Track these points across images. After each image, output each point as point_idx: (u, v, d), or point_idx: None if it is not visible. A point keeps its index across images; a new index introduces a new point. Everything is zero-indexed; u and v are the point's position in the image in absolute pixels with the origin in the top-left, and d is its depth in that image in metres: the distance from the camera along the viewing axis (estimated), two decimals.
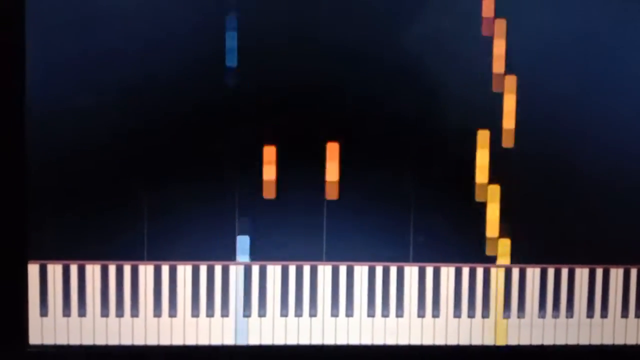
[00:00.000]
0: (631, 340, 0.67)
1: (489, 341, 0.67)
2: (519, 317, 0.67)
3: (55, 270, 0.66)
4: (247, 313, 0.67)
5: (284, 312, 0.67)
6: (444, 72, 0.64)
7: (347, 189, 0.65)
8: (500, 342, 0.67)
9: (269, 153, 0.65)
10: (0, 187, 0.64)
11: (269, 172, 0.65)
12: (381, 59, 0.64)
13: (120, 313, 0.66)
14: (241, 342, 0.67)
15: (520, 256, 0.66)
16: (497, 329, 0.67)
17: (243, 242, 0.66)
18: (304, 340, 0.67)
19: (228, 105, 0.64)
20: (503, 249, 0.66)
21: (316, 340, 0.67)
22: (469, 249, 0.66)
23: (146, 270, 0.66)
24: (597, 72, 0.65)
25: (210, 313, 0.67)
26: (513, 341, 0.67)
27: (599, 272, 0.67)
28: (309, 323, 0.67)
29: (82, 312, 0.66)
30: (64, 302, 0.66)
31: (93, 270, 0.66)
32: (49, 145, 0.64)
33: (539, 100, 0.65)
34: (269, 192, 0.65)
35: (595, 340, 0.67)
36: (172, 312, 0.66)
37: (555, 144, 0.65)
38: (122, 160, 0.65)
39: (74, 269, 0.66)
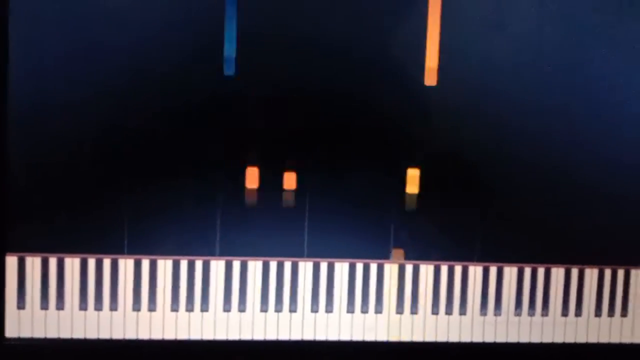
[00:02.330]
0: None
1: (465, 338, 0.68)
2: (495, 314, 0.68)
3: (33, 263, 0.65)
4: (227, 308, 0.67)
5: (264, 308, 0.67)
6: None
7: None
8: (477, 339, 0.68)
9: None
10: None
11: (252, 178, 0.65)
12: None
13: (99, 307, 0.66)
14: (220, 336, 0.67)
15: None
16: (473, 326, 0.68)
17: (224, 237, 0.66)
18: (284, 336, 0.67)
19: (216, 104, 0.64)
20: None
21: (296, 336, 0.67)
22: (450, 246, 0.67)
23: (126, 264, 0.66)
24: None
25: (190, 307, 0.67)
26: (489, 338, 0.68)
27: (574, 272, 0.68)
28: (288, 318, 0.67)
29: (60, 305, 0.66)
30: (42, 295, 0.65)
31: (72, 264, 0.65)
32: (28, 137, 0.63)
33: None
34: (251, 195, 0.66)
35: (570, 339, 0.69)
36: (152, 307, 0.66)
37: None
38: (103, 153, 0.64)
39: (52, 262, 0.65)
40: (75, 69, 0.63)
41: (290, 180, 0.66)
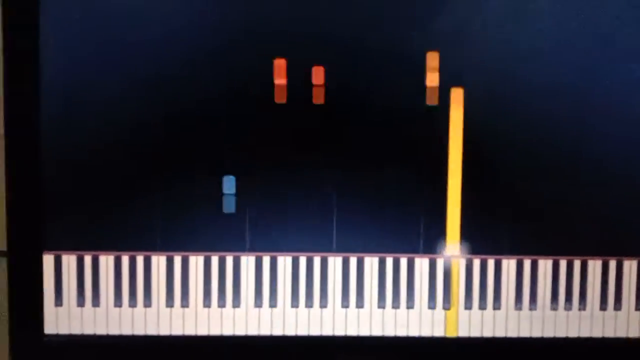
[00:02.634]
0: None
1: (499, 333, 0.67)
2: (529, 309, 0.66)
3: (69, 261, 0.67)
4: (258, 303, 0.67)
5: (294, 303, 0.67)
6: None
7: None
8: (512, 334, 0.67)
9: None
10: (16, 180, 0.65)
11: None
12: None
13: (133, 303, 0.67)
14: (252, 332, 0.67)
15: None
16: (508, 321, 0.67)
17: (253, 233, 0.66)
18: (315, 331, 0.67)
19: (243, 100, 0.65)
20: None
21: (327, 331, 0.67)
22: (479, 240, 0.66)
23: (159, 261, 0.67)
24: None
25: (221, 303, 0.67)
26: (525, 333, 0.67)
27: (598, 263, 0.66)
28: (319, 314, 0.67)
29: (95, 302, 0.67)
30: (78, 293, 0.67)
31: (107, 261, 0.67)
32: (63, 137, 0.65)
33: None
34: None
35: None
36: (185, 303, 0.67)
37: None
38: (136, 152, 0.65)
39: (87, 259, 0.67)
40: (107, 67, 0.64)
41: None
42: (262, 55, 0.64)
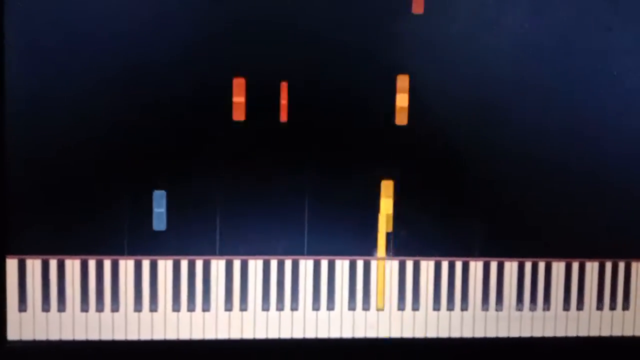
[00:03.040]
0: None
1: (467, 333, 0.68)
2: (495, 310, 0.68)
3: (34, 265, 0.65)
4: (228, 307, 0.67)
5: (265, 307, 0.67)
6: None
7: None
8: (479, 334, 0.68)
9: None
10: None
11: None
12: None
13: (100, 308, 0.66)
14: (222, 336, 0.67)
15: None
16: (475, 322, 0.68)
17: (223, 238, 0.66)
18: (285, 334, 0.67)
19: (218, 103, 0.64)
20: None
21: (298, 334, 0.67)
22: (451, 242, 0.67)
23: (127, 266, 0.66)
24: None
25: (191, 307, 0.66)
26: (491, 333, 0.68)
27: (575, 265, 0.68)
28: (290, 317, 0.67)
29: (61, 307, 0.66)
30: (43, 298, 0.65)
31: (73, 266, 0.65)
32: (28, 141, 0.63)
33: None
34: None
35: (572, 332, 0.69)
36: (153, 307, 0.66)
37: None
38: (103, 156, 0.64)
39: (53, 264, 0.65)
40: (71, 69, 0.63)
41: None
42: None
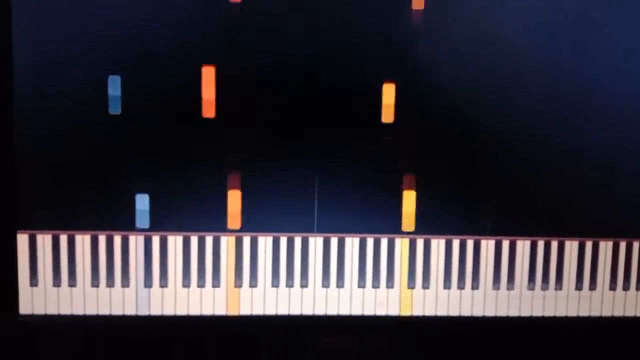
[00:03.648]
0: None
1: (477, 312, 0.68)
2: (506, 289, 0.67)
3: (44, 240, 0.65)
4: (238, 283, 0.67)
5: (275, 283, 0.67)
6: None
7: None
8: (489, 312, 0.68)
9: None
10: None
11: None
12: None
13: (110, 283, 0.66)
14: (232, 312, 0.67)
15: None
16: (486, 301, 0.68)
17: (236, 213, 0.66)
18: (295, 310, 0.67)
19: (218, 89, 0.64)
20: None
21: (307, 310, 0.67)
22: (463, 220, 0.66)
23: (137, 241, 0.66)
24: None
25: (201, 283, 0.67)
26: (502, 312, 0.68)
27: (589, 244, 0.67)
28: (299, 293, 0.67)
29: (72, 282, 0.66)
30: (54, 272, 0.66)
31: (83, 241, 0.66)
32: (37, 116, 0.63)
33: None
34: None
35: (584, 312, 0.68)
36: (163, 283, 0.66)
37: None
38: (111, 132, 0.64)
39: (63, 239, 0.65)
40: (78, 47, 0.62)
41: None
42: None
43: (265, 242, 0.66)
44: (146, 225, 0.65)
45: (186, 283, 0.66)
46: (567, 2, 0.63)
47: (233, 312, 0.67)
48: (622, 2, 0.64)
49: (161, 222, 0.65)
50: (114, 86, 0.63)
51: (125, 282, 0.66)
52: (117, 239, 0.66)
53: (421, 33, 0.63)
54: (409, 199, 0.66)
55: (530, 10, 0.63)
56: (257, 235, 0.66)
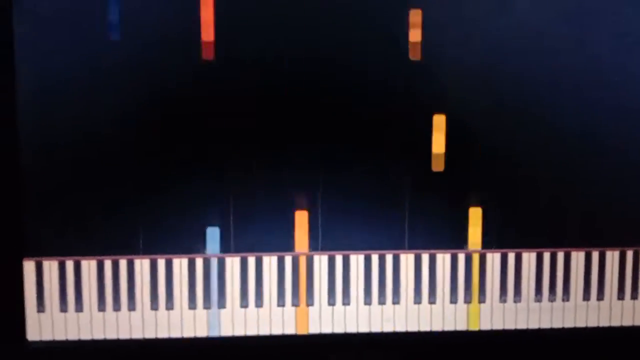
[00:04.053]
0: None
1: (485, 326, 0.67)
2: (509, 302, 0.67)
3: (51, 267, 0.66)
4: (244, 304, 0.67)
5: (280, 303, 0.67)
6: None
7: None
8: (497, 326, 0.67)
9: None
10: None
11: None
12: None
13: (117, 307, 0.66)
14: (238, 333, 0.67)
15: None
16: (493, 314, 0.67)
17: (237, 235, 0.66)
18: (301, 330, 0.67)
19: (222, 101, 0.64)
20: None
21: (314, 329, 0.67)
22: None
23: (142, 265, 0.66)
24: None
25: (207, 305, 0.67)
26: (509, 325, 0.67)
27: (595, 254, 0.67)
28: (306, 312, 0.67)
29: (79, 307, 0.66)
30: (60, 298, 0.66)
31: (89, 266, 0.66)
32: (43, 142, 0.64)
33: None
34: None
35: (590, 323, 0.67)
36: (170, 305, 0.66)
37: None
38: (117, 156, 0.64)
39: (69, 264, 0.66)
40: (83, 72, 0.63)
41: None
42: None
43: (270, 262, 0.66)
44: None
45: (192, 305, 0.66)
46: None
47: (228, 333, 0.67)
48: None
49: (165, 244, 0.66)
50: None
51: (132, 305, 0.66)
52: (123, 263, 0.66)
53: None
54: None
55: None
56: (261, 255, 0.66)
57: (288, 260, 0.66)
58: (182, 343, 0.67)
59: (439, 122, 0.64)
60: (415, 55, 0.64)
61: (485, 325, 0.67)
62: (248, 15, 0.63)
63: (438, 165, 0.65)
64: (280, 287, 0.66)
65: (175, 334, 0.67)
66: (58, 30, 0.62)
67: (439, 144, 0.65)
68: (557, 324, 0.67)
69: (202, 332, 0.67)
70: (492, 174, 0.65)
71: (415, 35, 0.63)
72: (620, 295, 0.67)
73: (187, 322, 0.67)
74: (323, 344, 0.67)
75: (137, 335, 0.67)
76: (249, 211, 0.65)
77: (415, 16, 0.63)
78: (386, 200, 0.65)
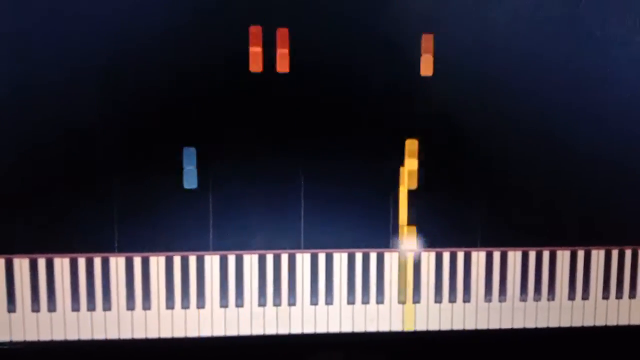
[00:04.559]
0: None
1: (469, 325, 0.66)
2: (498, 301, 0.66)
3: (22, 265, 0.63)
4: (224, 303, 0.65)
5: (262, 302, 0.65)
6: None
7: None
8: (481, 326, 0.66)
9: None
10: None
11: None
12: None
13: (91, 307, 0.64)
14: (218, 333, 0.65)
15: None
16: (478, 313, 0.66)
17: (217, 233, 0.64)
18: (283, 330, 0.65)
19: (195, 97, 0.62)
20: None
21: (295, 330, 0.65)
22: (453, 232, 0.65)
23: (117, 263, 0.64)
24: None
25: (185, 305, 0.64)
26: (494, 324, 0.66)
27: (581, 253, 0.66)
28: (287, 312, 0.65)
29: (51, 307, 0.64)
30: (32, 297, 0.63)
31: (62, 264, 0.63)
32: (12, 138, 0.61)
33: None
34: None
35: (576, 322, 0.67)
36: (147, 305, 0.64)
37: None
38: (89, 151, 0.62)
39: (41, 262, 0.63)
40: (49, 69, 0.60)
41: None
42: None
43: (251, 260, 0.64)
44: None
45: (170, 305, 0.64)
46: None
47: (218, 333, 0.65)
48: None
49: (141, 242, 0.63)
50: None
51: (107, 305, 0.64)
52: (97, 261, 0.63)
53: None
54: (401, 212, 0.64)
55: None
56: (242, 253, 0.64)
57: (269, 258, 0.65)
58: (160, 343, 0.65)
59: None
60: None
61: (470, 325, 0.66)
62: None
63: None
64: (261, 286, 0.65)
65: (153, 334, 0.65)
66: None
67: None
68: (542, 324, 0.66)
69: (180, 333, 0.65)
70: (480, 175, 0.64)
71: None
72: (605, 294, 0.67)
73: (164, 322, 0.64)
74: (305, 344, 0.65)
75: (112, 336, 0.64)
76: (228, 209, 0.63)
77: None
78: (372, 199, 0.64)
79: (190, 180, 0.63)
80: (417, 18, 0.62)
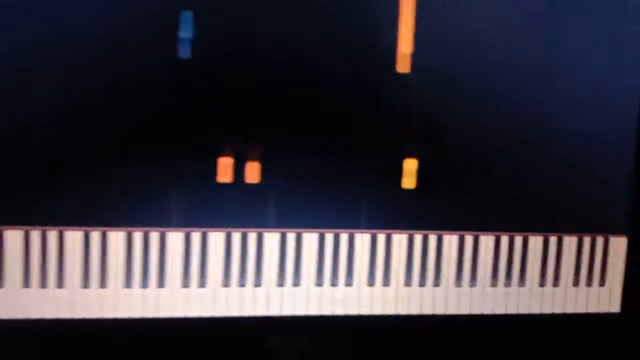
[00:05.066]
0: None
1: (439, 310, 0.65)
2: (469, 285, 0.65)
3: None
4: (185, 283, 0.62)
5: (226, 282, 0.62)
6: None
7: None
8: (451, 310, 0.65)
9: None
10: None
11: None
12: None
13: (44, 284, 0.60)
14: (177, 314, 0.62)
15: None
16: (447, 298, 0.65)
17: (184, 209, 0.61)
18: (248, 312, 0.63)
19: (182, 81, 0.59)
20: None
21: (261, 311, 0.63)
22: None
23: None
24: None
25: (145, 284, 0.61)
26: (464, 309, 0.65)
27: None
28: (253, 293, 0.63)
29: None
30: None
31: (14, 237, 0.59)
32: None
33: None
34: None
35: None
36: (103, 283, 0.61)
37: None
38: (75, 121, 0.58)
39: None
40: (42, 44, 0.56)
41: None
42: None
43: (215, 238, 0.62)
44: None
45: (128, 284, 0.61)
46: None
47: (179, 314, 0.62)
48: None
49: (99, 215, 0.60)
50: None
51: (60, 282, 0.60)
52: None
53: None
54: None
55: None
56: (207, 230, 0.61)
57: (236, 237, 0.62)
58: (116, 323, 0.61)
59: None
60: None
61: (440, 310, 0.65)
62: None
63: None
64: (226, 266, 0.62)
65: (109, 314, 0.61)
66: None
67: None
68: (512, 310, 0.65)
69: (137, 313, 0.61)
70: (450, 160, 0.63)
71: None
72: (575, 282, 0.66)
73: (122, 302, 0.61)
74: (270, 326, 0.63)
75: (64, 315, 0.61)
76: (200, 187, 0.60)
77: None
78: (343, 179, 0.62)
79: None
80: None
